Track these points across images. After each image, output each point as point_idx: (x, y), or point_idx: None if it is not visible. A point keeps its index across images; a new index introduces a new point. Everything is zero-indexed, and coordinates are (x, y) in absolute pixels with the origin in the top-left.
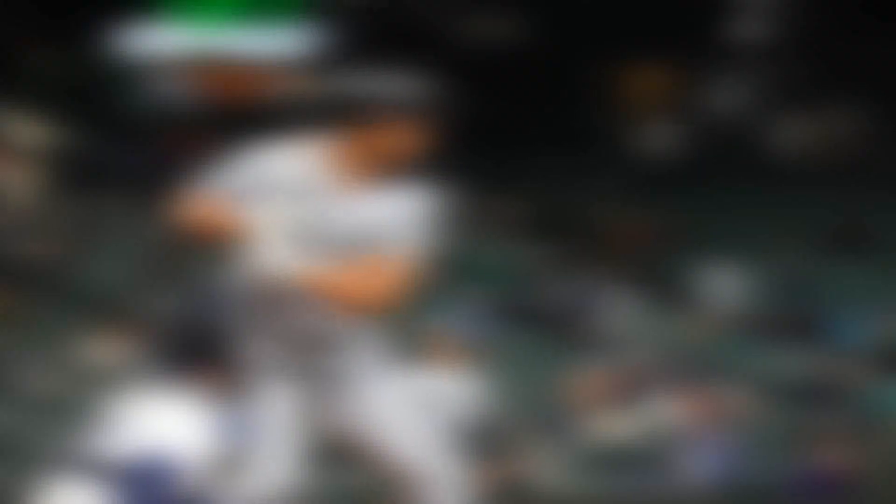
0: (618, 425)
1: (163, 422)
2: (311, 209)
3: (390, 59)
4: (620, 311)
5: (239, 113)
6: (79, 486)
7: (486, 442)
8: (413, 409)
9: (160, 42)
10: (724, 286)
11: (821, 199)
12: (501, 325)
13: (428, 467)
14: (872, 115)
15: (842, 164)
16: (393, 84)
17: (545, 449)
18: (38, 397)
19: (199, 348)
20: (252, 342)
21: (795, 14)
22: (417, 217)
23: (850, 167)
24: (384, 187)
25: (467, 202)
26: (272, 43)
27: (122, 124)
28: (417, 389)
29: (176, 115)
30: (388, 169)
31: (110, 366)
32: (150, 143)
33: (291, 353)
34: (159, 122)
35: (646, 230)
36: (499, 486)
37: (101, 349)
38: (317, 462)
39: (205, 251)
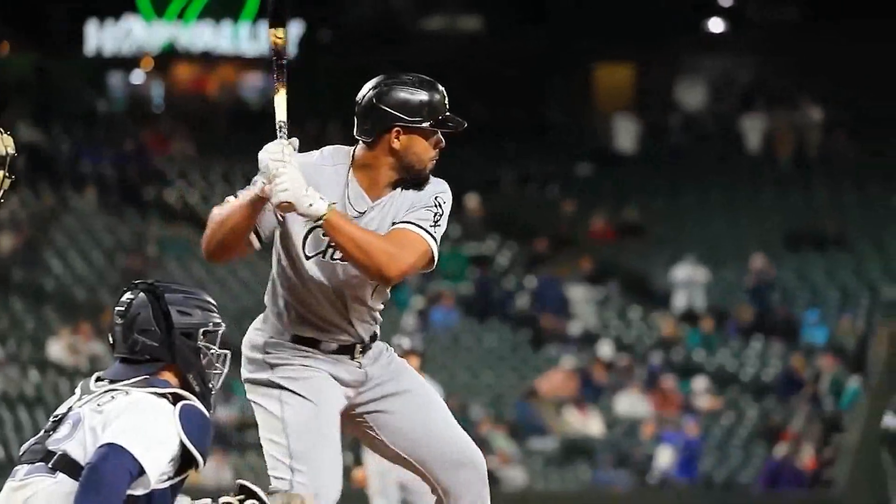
0: (584, 420)
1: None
2: None
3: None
4: (587, 308)
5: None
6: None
7: None
8: None
9: (130, 38)
10: (689, 283)
11: (783, 197)
12: (468, 322)
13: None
14: (832, 114)
15: (803, 163)
16: None
17: (513, 443)
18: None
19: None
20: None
21: (756, 13)
22: None
23: (811, 166)
24: None
25: None
26: (238, 39)
27: (91, 121)
28: None
29: (146, 111)
30: None
31: (74, 364)
32: (120, 139)
33: None
34: (129, 118)
35: (611, 227)
36: None
37: (67, 346)
38: None
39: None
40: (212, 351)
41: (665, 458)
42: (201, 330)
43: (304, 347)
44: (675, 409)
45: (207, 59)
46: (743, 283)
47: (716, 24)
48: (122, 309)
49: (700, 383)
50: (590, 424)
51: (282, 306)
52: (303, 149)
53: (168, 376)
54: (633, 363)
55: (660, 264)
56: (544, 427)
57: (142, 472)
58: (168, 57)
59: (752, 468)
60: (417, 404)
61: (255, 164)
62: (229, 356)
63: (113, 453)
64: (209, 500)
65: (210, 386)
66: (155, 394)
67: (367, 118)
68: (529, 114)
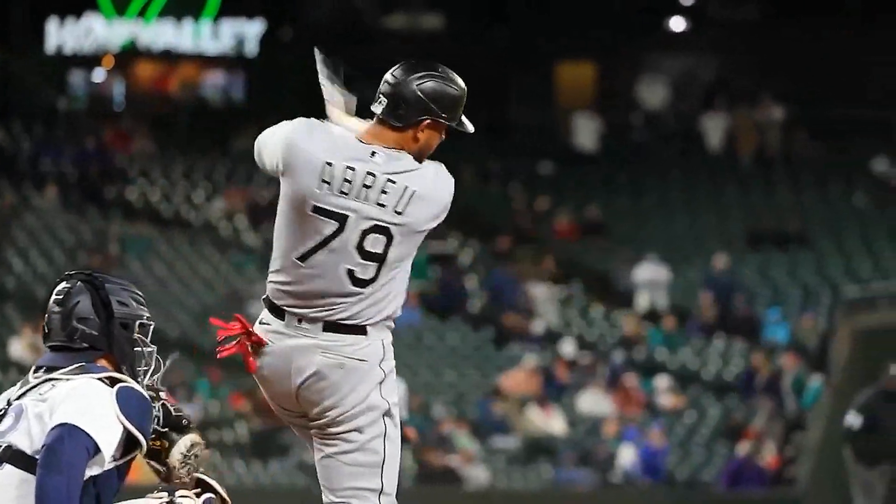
0: (546, 419)
1: None
2: None
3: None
4: (549, 307)
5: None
6: None
7: (420, 435)
8: None
9: (91, 36)
10: (651, 282)
11: (744, 195)
12: (430, 320)
13: None
14: (794, 113)
15: (765, 162)
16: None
17: (475, 442)
18: None
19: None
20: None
21: (717, 12)
22: None
23: (772, 164)
24: None
25: None
26: (199, 37)
27: (52, 119)
28: None
29: (107, 109)
30: None
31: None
32: (81, 137)
33: None
34: (90, 116)
35: (573, 226)
36: (434, 476)
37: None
38: None
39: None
40: (144, 343)
41: (627, 456)
42: (137, 322)
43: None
44: (637, 407)
45: (168, 58)
46: (706, 282)
47: (677, 23)
48: (61, 297)
49: (662, 382)
50: (552, 423)
51: (405, 283)
52: None
53: (103, 363)
54: (596, 362)
55: (622, 263)
56: (507, 426)
57: (97, 450)
58: (129, 55)
59: (715, 467)
60: None
61: (216, 162)
62: (154, 352)
63: (68, 433)
64: (166, 495)
65: (138, 381)
66: (93, 378)
67: (404, 104)
68: (491, 112)
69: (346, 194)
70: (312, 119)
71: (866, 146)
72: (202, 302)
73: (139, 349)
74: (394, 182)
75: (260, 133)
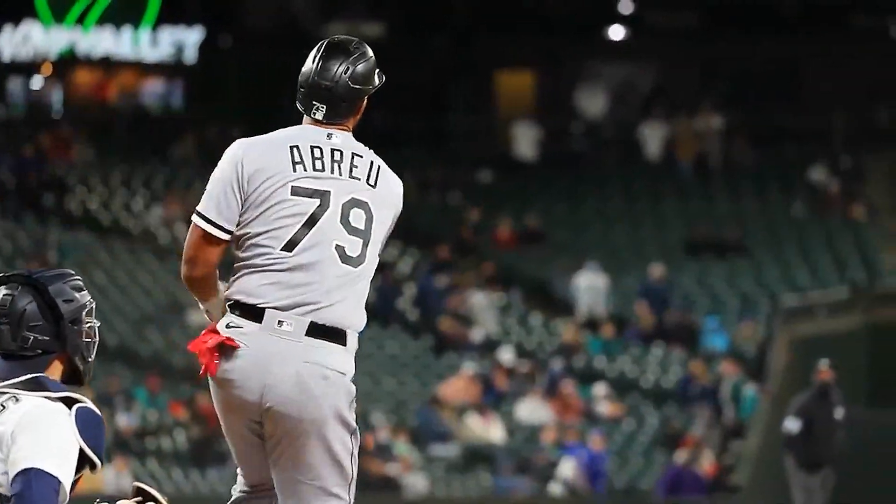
0: (485, 427)
1: None
2: None
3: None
4: (488, 315)
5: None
6: None
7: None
8: None
9: (29, 43)
10: (590, 290)
11: (683, 204)
12: (370, 329)
13: None
14: (732, 121)
15: (704, 170)
16: None
17: (414, 450)
18: None
19: None
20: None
21: (656, 20)
22: None
23: (711, 173)
24: None
25: None
26: (138, 45)
27: None
28: None
29: (45, 116)
30: None
31: None
32: (19, 144)
33: None
34: (28, 123)
35: (513, 234)
36: (373, 484)
37: None
38: None
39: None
40: (91, 326)
41: (566, 465)
42: (83, 312)
43: None
44: (575, 415)
45: (107, 65)
46: (646, 290)
47: (616, 32)
48: (6, 307)
49: (601, 390)
50: (491, 431)
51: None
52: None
53: (55, 365)
54: (535, 370)
55: (561, 271)
56: (446, 433)
57: (62, 487)
58: (68, 62)
59: (653, 474)
60: None
61: (155, 170)
62: (98, 326)
63: (36, 479)
64: None
65: (90, 360)
66: (48, 398)
67: (343, 101)
68: (430, 120)
69: (321, 170)
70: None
71: (804, 155)
72: (141, 310)
73: (88, 336)
74: (360, 156)
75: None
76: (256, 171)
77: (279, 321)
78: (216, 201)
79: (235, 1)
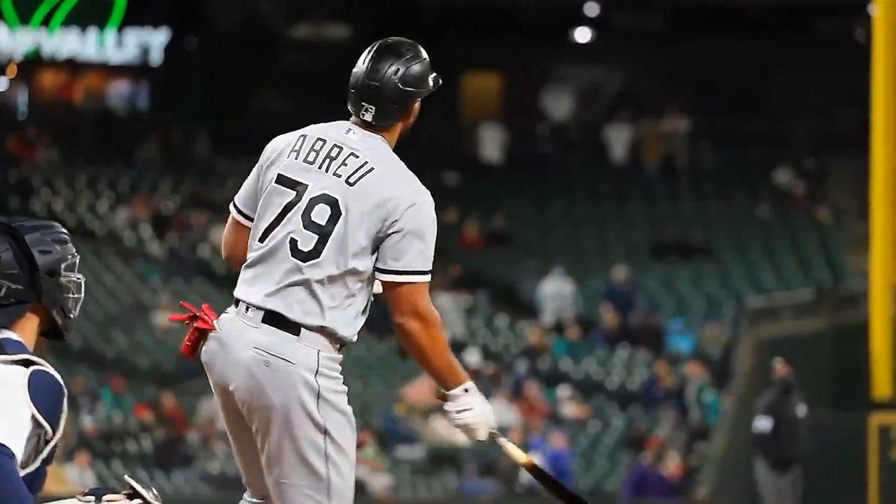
0: (451, 429)
1: None
2: None
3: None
4: (454, 316)
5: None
6: None
7: None
8: None
9: None
10: (556, 292)
11: (649, 206)
12: None
13: None
14: (698, 124)
15: (670, 173)
16: None
17: (380, 452)
18: None
19: None
20: None
21: (622, 23)
22: None
23: (677, 175)
24: None
25: None
26: (104, 46)
27: None
28: None
29: (10, 118)
30: None
31: None
32: None
33: None
34: None
35: (479, 236)
36: None
37: None
38: None
39: None
40: (72, 280)
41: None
42: (63, 265)
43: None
44: (540, 417)
45: (73, 67)
46: (611, 293)
47: (582, 34)
48: None
49: (566, 392)
50: (456, 433)
51: (358, 310)
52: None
53: (30, 316)
54: (500, 371)
55: (527, 273)
56: (411, 435)
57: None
58: (33, 64)
59: (618, 476)
60: None
61: (120, 172)
62: (83, 282)
63: None
64: (93, 499)
65: (71, 316)
66: (6, 361)
67: (392, 103)
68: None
69: (309, 163)
70: None
71: (769, 157)
72: (106, 311)
73: (68, 291)
74: (357, 156)
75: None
76: (268, 158)
77: (246, 307)
78: (245, 185)
79: (201, 3)
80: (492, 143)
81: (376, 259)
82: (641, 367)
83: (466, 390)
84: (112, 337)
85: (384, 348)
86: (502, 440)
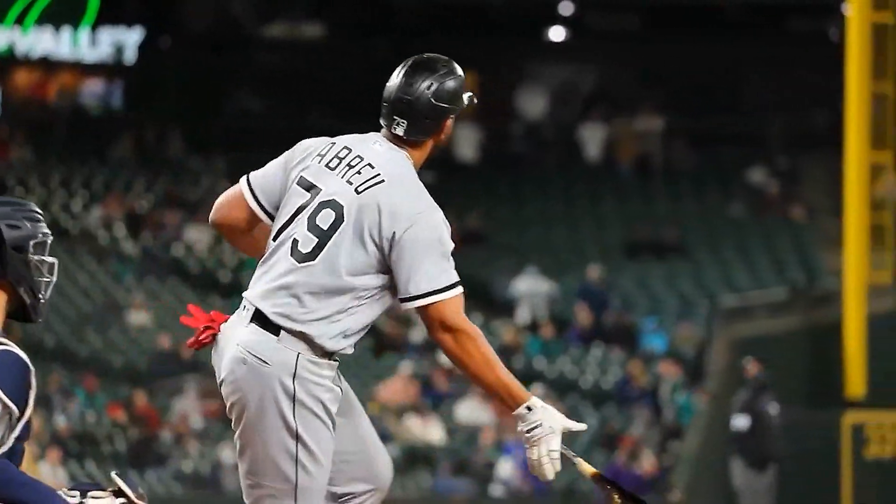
0: (424, 428)
1: None
2: None
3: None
4: None
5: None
6: None
7: None
8: None
9: None
10: (530, 291)
11: (623, 205)
12: None
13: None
14: (672, 123)
15: (643, 172)
16: None
17: None
18: None
19: None
20: None
21: (597, 22)
22: None
23: (651, 174)
24: None
25: None
26: (78, 45)
27: None
28: None
29: None
30: None
31: None
32: None
33: None
34: None
35: (455, 235)
36: None
37: None
38: None
39: None
40: (42, 260)
41: (505, 465)
42: (31, 242)
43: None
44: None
45: (46, 65)
46: (584, 292)
47: (557, 33)
48: None
49: (539, 391)
50: (430, 432)
51: (348, 328)
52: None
53: None
54: None
55: (502, 272)
56: (385, 434)
57: None
58: (6, 62)
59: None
60: None
61: (94, 171)
62: (57, 265)
63: None
64: (78, 494)
65: (40, 297)
66: None
67: (425, 118)
68: (371, 122)
69: (330, 169)
70: None
71: (743, 156)
72: (79, 310)
73: (37, 269)
74: (372, 167)
75: (138, 146)
76: (297, 157)
77: (244, 306)
78: (265, 168)
79: (175, 2)
80: (466, 143)
81: (393, 284)
82: (615, 366)
83: (529, 409)
84: (85, 336)
85: (357, 347)
86: (576, 459)
